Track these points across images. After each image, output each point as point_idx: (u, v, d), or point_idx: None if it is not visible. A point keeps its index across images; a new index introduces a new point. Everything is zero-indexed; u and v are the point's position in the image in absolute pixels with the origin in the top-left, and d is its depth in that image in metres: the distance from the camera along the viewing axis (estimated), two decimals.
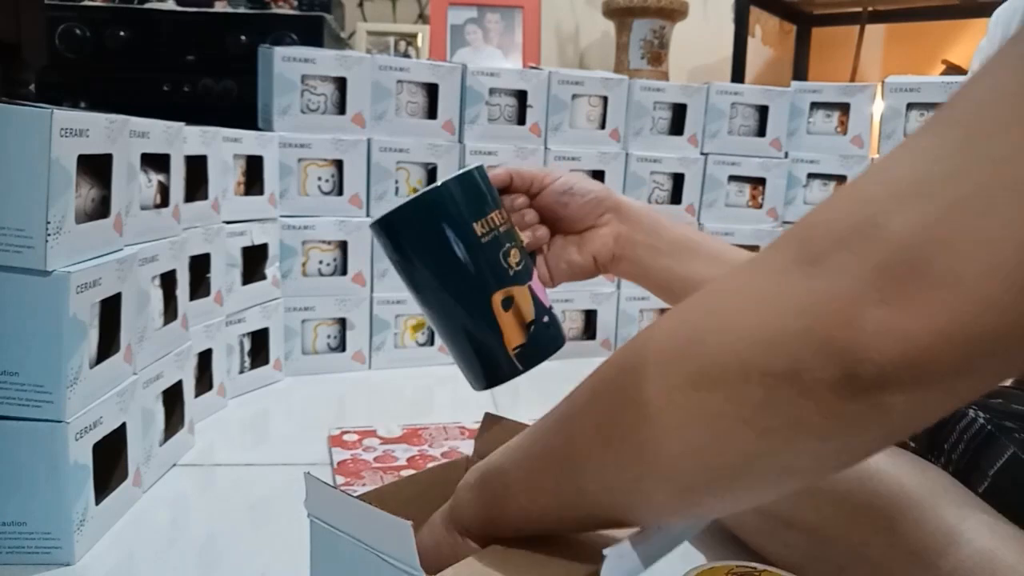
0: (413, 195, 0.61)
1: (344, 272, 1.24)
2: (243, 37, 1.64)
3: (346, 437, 0.95)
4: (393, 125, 1.27)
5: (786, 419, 0.31)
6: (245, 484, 0.85)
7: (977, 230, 0.27)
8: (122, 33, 1.63)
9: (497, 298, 0.61)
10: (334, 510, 0.48)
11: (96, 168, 0.71)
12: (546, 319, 0.63)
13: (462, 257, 0.60)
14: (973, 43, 2.13)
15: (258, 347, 1.16)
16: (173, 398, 0.88)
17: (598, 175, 1.39)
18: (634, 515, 0.41)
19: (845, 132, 1.42)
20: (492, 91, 1.32)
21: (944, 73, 1.93)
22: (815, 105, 1.44)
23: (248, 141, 1.13)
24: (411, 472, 0.63)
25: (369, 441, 0.94)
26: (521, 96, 1.34)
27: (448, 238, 0.60)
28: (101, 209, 0.72)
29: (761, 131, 1.45)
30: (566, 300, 1.39)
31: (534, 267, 0.65)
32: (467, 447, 0.90)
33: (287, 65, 1.19)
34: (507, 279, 0.62)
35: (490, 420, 0.62)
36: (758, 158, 1.44)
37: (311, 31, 1.67)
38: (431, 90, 1.29)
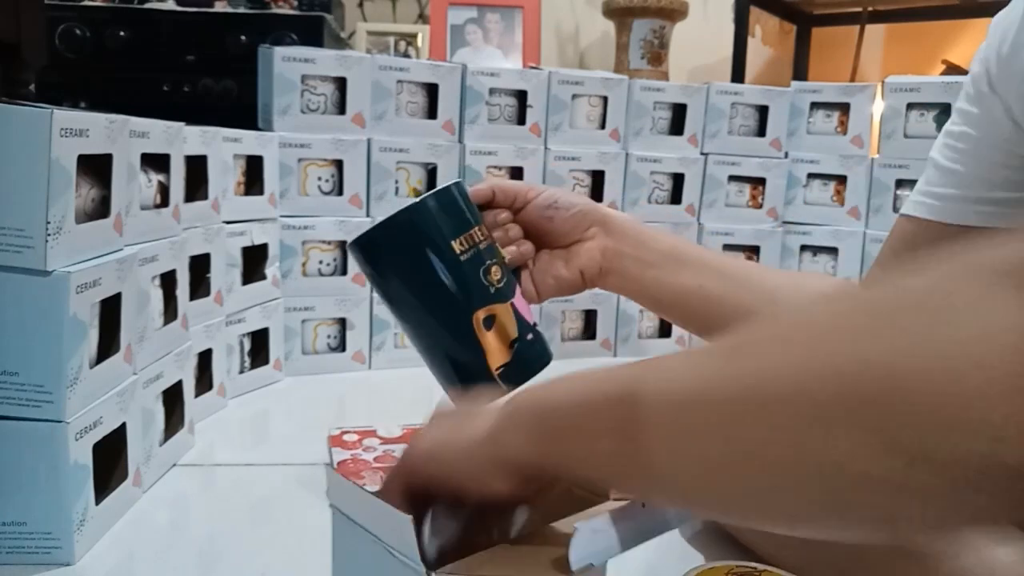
0: (389, 215, 0.60)
1: (344, 272, 1.24)
2: (243, 37, 1.64)
3: (346, 437, 0.95)
4: (393, 125, 1.27)
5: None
6: (245, 484, 0.85)
7: None
8: (122, 33, 1.63)
9: (479, 316, 0.60)
10: (350, 502, 0.49)
11: (96, 168, 0.71)
12: (530, 336, 0.62)
13: (441, 275, 0.59)
14: (973, 43, 2.13)
15: (258, 347, 1.16)
16: (173, 398, 0.88)
17: (598, 175, 1.39)
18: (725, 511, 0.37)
19: (845, 132, 1.42)
20: (492, 91, 1.32)
21: (944, 73, 1.93)
22: (815, 105, 1.44)
23: (248, 141, 1.13)
24: None
25: (369, 441, 0.94)
26: (521, 96, 1.34)
27: (426, 256, 0.60)
28: (101, 209, 0.72)
29: (761, 131, 1.45)
30: (566, 300, 1.38)
31: (517, 283, 0.64)
32: None
33: (287, 65, 1.19)
34: (488, 297, 0.61)
35: None
36: (758, 158, 1.44)
37: (311, 31, 1.67)
38: (431, 90, 1.29)
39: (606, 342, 1.44)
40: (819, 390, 0.28)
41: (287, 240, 1.20)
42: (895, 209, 1.35)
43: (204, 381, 1.01)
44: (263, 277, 1.16)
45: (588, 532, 0.41)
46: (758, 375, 0.31)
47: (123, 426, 0.74)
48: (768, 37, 2.33)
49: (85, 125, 0.67)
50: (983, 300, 0.26)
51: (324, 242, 1.23)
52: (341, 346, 1.26)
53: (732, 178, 1.45)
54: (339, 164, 1.23)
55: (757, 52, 2.28)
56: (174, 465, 0.88)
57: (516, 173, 1.34)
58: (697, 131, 1.44)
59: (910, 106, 1.34)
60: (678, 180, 1.44)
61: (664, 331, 1.48)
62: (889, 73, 1.38)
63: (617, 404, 0.37)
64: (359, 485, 0.49)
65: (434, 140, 1.29)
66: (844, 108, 1.42)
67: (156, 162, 0.85)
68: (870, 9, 2.15)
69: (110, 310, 0.72)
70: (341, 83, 1.23)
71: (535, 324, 0.64)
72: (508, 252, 0.65)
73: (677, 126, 1.44)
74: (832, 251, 1.42)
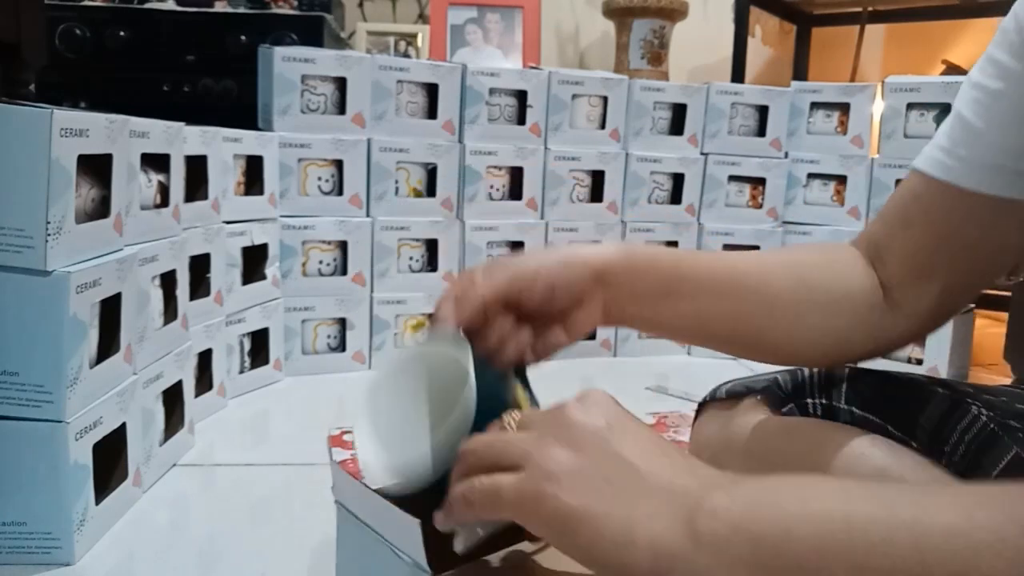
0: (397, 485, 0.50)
1: (344, 272, 1.24)
2: (243, 37, 1.64)
3: (346, 437, 0.95)
4: (393, 125, 1.27)
5: None
6: (245, 484, 0.85)
7: None
8: (122, 33, 1.63)
9: None
10: (356, 500, 0.49)
11: (96, 168, 0.71)
12: None
13: None
14: (973, 43, 2.13)
15: (258, 347, 1.16)
16: (173, 398, 0.88)
17: (598, 175, 1.39)
18: None
19: (845, 132, 1.42)
20: (492, 91, 1.31)
21: (944, 73, 1.93)
22: (815, 105, 1.44)
23: (248, 141, 1.13)
24: None
25: None
26: (521, 96, 1.34)
27: None
28: (101, 209, 0.72)
29: (761, 131, 1.45)
30: None
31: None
32: None
33: (287, 65, 1.19)
34: None
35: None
36: (758, 158, 1.44)
37: (311, 31, 1.66)
38: (431, 90, 1.29)
39: (606, 342, 1.44)
40: None
41: (287, 240, 1.20)
42: None
43: (204, 381, 1.01)
44: (263, 277, 1.16)
45: None
46: None
47: (123, 426, 0.74)
48: (768, 37, 2.33)
49: (85, 125, 0.67)
50: None
51: (324, 242, 1.23)
52: (341, 346, 1.26)
53: (732, 178, 1.45)
54: (339, 164, 1.23)
55: (757, 52, 2.28)
56: (174, 465, 0.87)
57: (516, 173, 1.34)
58: (697, 131, 1.44)
59: (910, 106, 1.34)
60: (678, 180, 1.44)
61: None
62: (889, 73, 1.38)
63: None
64: (365, 484, 0.49)
65: (434, 140, 1.29)
66: (844, 108, 1.42)
67: (156, 162, 0.85)
68: (870, 9, 2.15)
69: (110, 310, 0.72)
70: (341, 83, 1.23)
71: None
72: (517, 350, 0.58)
73: (677, 126, 1.44)
74: None
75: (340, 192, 1.23)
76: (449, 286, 0.57)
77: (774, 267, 0.61)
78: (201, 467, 0.89)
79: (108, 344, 0.73)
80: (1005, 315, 1.31)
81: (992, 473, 0.51)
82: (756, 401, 0.65)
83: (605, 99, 1.38)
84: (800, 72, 2.27)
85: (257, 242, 1.14)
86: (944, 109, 1.32)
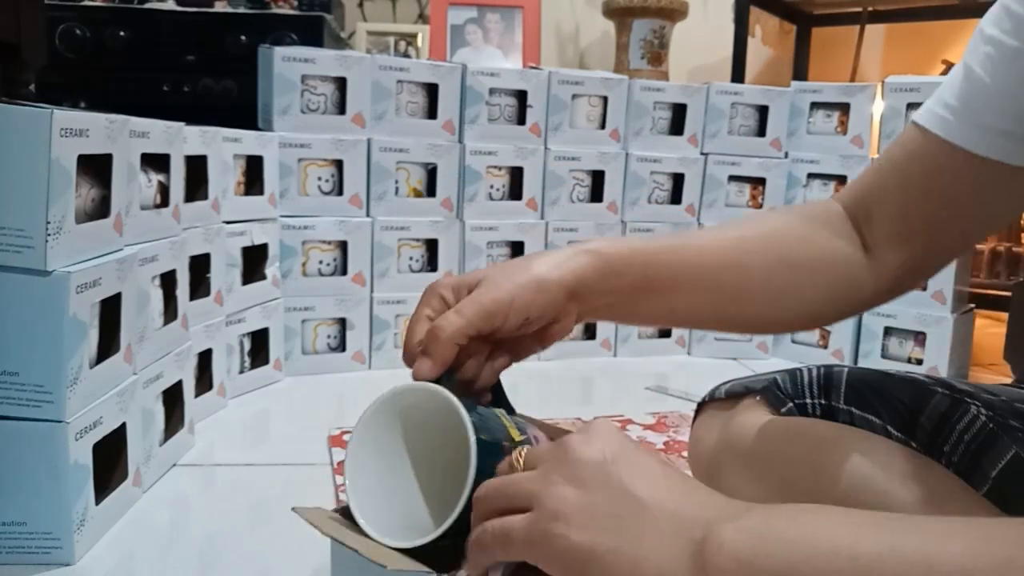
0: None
1: (344, 272, 1.24)
2: (243, 37, 1.64)
3: (346, 437, 0.94)
4: (393, 125, 1.27)
5: None
6: (245, 484, 0.85)
7: None
8: (122, 33, 1.63)
9: None
10: (340, 532, 0.48)
11: (96, 168, 0.71)
12: None
13: None
14: None
15: (258, 347, 1.16)
16: (173, 398, 0.88)
17: (598, 175, 1.39)
18: None
19: (845, 132, 1.42)
20: (492, 91, 1.32)
21: (944, 73, 1.93)
22: (815, 105, 1.44)
23: (248, 141, 1.13)
24: None
25: None
26: (521, 96, 1.34)
27: None
28: (101, 209, 0.72)
29: (761, 131, 1.45)
30: None
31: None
32: None
33: (287, 65, 1.19)
34: None
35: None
36: (758, 158, 1.44)
37: (311, 31, 1.66)
38: (431, 90, 1.29)
39: (606, 342, 1.44)
40: None
41: (287, 240, 1.20)
42: None
43: (204, 381, 1.01)
44: (263, 277, 1.16)
45: None
46: None
47: (123, 426, 0.74)
48: (768, 37, 2.32)
49: (85, 125, 0.67)
50: None
51: (324, 242, 1.23)
52: (341, 346, 1.26)
53: (732, 178, 1.45)
54: (339, 164, 1.23)
55: (757, 52, 2.28)
56: (174, 465, 0.88)
57: (516, 173, 1.34)
58: (697, 131, 1.44)
59: (910, 106, 1.34)
60: (678, 180, 1.44)
61: (664, 331, 1.48)
62: (889, 73, 1.38)
63: None
64: (373, 560, 0.46)
65: (434, 140, 1.29)
66: (844, 108, 1.42)
67: (156, 162, 0.85)
68: (870, 9, 2.15)
69: (110, 310, 0.72)
70: (341, 83, 1.23)
71: None
72: (492, 375, 0.58)
73: (677, 126, 1.44)
74: None
75: (340, 192, 1.23)
76: (411, 327, 0.55)
77: (753, 246, 0.60)
78: (201, 467, 0.89)
79: (108, 344, 0.73)
80: (1005, 315, 1.31)
81: (991, 473, 0.51)
82: (755, 401, 0.65)
83: (605, 99, 1.38)
84: (800, 72, 2.27)
85: (257, 242, 1.14)
86: None
